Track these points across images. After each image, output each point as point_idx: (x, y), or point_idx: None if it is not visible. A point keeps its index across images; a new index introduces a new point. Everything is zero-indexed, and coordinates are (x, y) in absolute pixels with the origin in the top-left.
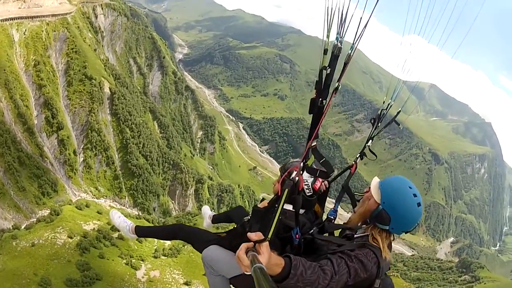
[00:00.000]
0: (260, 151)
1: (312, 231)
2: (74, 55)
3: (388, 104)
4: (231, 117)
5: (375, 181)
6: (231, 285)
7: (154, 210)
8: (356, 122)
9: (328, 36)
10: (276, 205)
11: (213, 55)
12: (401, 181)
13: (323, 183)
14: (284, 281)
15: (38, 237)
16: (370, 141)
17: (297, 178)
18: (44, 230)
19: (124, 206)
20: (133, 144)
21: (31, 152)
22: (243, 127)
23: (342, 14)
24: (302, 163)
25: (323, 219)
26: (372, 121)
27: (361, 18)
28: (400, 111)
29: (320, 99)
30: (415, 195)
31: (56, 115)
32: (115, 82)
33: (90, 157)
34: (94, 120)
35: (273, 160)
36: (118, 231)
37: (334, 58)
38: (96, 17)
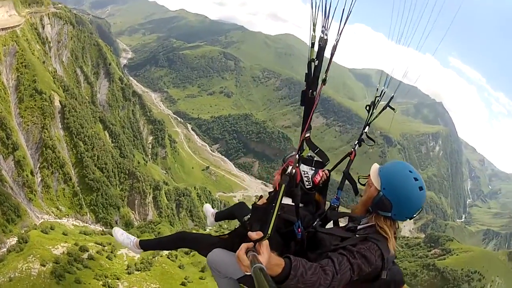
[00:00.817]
0: (211, 150)
1: (315, 223)
2: (23, 69)
3: (382, 91)
4: (179, 119)
5: (374, 167)
6: (241, 284)
7: (116, 223)
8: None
9: (314, 30)
10: (274, 201)
11: (157, 58)
12: (401, 166)
13: (324, 174)
14: (284, 282)
15: (13, 269)
16: (367, 127)
17: (294, 171)
18: (17, 261)
19: (86, 223)
20: (87, 157)
21: None
22: (192, 128)
23: (326, 7)
24: (297, 155)
25: (326, 208)
26: (367, 108)
27: (343, 10)
28: (393, 96)
29: (310, 90)
30: (416, 179)
31: (11, 135)
32: (64, 94)
33: (47, 175)
34: (47, 137)
35: (225, 158)
36: (124, 247)
37: (321, 49)
38: (43, 27)
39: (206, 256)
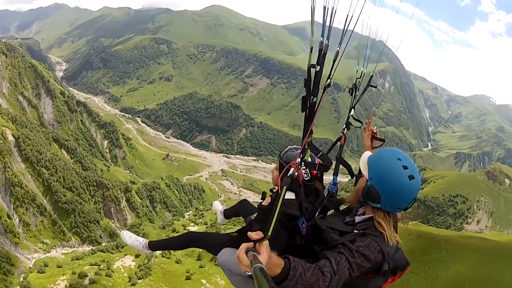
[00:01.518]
0: (166, 137)
1: (316, 215)
2: None
3: (362, 72)
4: (127, 115)
5: (364, 156)
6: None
7: (101, 237)
8: (247, 78)
9: (312, 33)
10: (275, 203)
11: (91, 61)
12: (389, 153)
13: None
14: (283, 282)
15: None
16: (353, 110)
17: (296, 174)
18: None
19: (73, 247)
20: (54, 182)
21: None
22: (141, 121)
23: (327, 11)
24: (300, 159)
25: (325, 194)
26: (350, 91)
27: (347, 16)
28: (372, 75)
29: (311, 96)
30: (405, 167)
31: None
32: (14, 126)
33: (23, 213)
34: (11, 175)
35: (182, 141)
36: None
37: (322, 56)
38: None
39: (215, 255)
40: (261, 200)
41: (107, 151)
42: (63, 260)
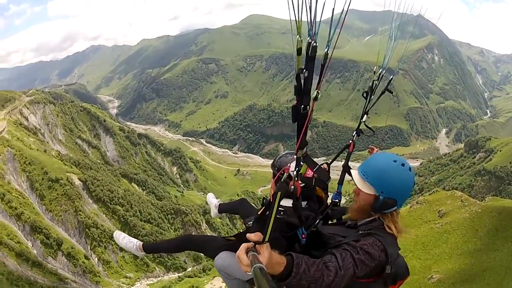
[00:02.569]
0: (233, 153)
1: (316, 222)
2: (30, 167)
3: (380, 74)
4: (190, 139)
5: (356, 175)
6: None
7: (186, 262)
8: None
9: (299, 33)
10: (270, 210)
11: (143, 93)
12: (384, 161)
13: (323, 166)
14: (287, 280)
15: None
16: (366, 116)
17: (293, 187)
18: None
19: (158, 277)
20: (131, 217)
21: (51, 285)
22: (206, 141)
23: (311, 4)
24: (295, 172)
25: (328, 203)
26: (365, 95)
27: (333, 9)
28: (392, 78)
29: (302, 106)
30: (403, 165)
31: (49, 234)
32: (79, 170)
33: (102, 252)
34: (84, 217)
35: (250, 154)
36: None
37: (310, 59)
38: (27, 119)
39: (212, 258)
40: (262, 205)
41: (178, 177)
42: None
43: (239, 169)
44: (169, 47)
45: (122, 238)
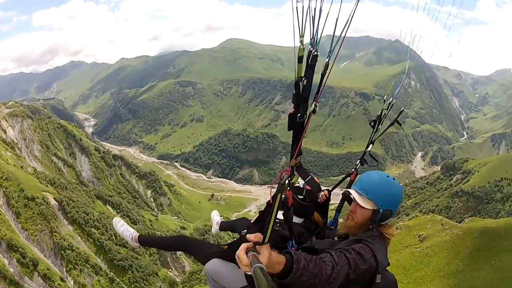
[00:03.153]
0: (208, 177)
1: (311, 239)
2: (6, 183)
3: (390, 103)
4: (165, 162)
5: (354, 193)
6: None
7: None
8: (276, 105)
9: (301, 41)
10: (270, 212)
11: (120, 113)
12: (379, 178)
13: (323, 193)
14: (287, 277)
15: None
16: (371, 145)
17: (284, 196)
18: None
19: None
20: (106, 240)
21: None
22: (180, 165)
23: (315, 13)
24: (287, 181)
25: (324, 229)
26: (372, 124)
27: (337, 19)
28: (402, 110)
29: (299, 114)
30: (394, 179)
31: (25, 253)
32: (54, 189)
33: (78, 275)
34: (60, 239)
35: (224, 179)
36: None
37: (310, 68)
38: (5, 131)
39: (202, 263)
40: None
41: (152, 200)
42: None
43: (213, 194)
44: (147, 67)
45: (120, 225)
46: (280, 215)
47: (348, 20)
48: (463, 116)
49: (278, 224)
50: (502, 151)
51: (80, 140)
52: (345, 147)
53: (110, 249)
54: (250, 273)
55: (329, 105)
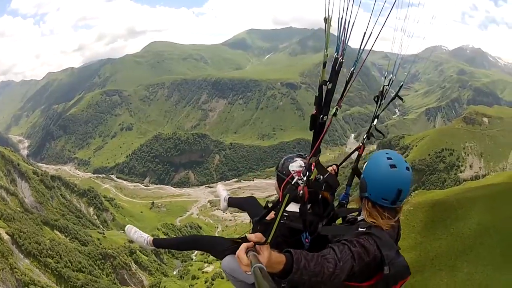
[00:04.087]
0: (145, 186)
1: (319, 227)
2: None
3: (390, 79)
4: (101, 175)
5: None
6: None
7: None
8: (204, 105)
9: (326, 48)
10: (277, 211)
11: (51, 131)
12: (381, 151)
13: (331, 168)
14: (288, 276)
15: None
16: (376, 120)
17: (301, 192)
18: None
19: None
20: (62, 268)
21: None
22: (116, 177)
23: (344, 23)
24: (306, 177)
25: (334, 205)
26: (376, 99)
27: (366, 28)
28: (402, 85)
29: (321, 115)
30: (389, 158)
31: None
32: (4, 222)
33: None
34: (21, 275)
35: (161, 186)
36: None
37: (336, 73)
38: None
39: (219, 259)
40: (265, 209)
41: (95, 217)
42: None
43: (153, 202)
44: (73, 80)
45: (134, 232)
46: (289, 208)
47: (364, 34)
48: (393, 94)
49: (285, 218)
50: (439, 124)
51: (18, 165)
52: (276, 138)
53: (69, 277)
54: (250, 273)
55: (256, 98)
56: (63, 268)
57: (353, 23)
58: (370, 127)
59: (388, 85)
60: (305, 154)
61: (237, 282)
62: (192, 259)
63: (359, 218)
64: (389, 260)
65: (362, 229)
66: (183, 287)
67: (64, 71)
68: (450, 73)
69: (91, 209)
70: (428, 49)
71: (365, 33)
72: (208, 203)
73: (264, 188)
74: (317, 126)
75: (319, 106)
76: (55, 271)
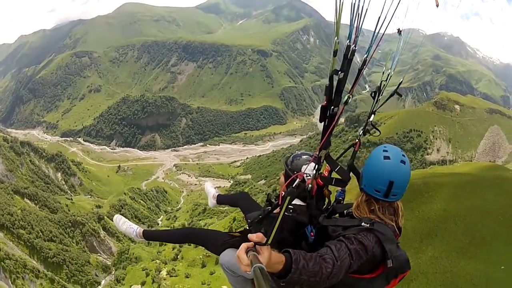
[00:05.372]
0: (112, 149)
1: (320, 218)
2: None
3: (388, 75)
4: (68, 139)
5: None
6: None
7: (97, 275)
8: (173, 67)
9: (337, 35)
10: (278, 212)
11: (21, 95)
12: (381, 145)
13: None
14: (287, 276)
15: None
16: (372, 115)
17: (310, 186)
18: None
19: None
20: (34, 239)
21: None
22: (84, 140)
23: (357, 9)
24: (315, 171)
25: (331, 201)
26: (373, 95)
27: (379, 17)
28: (402, 81)
29: (332, 106)
30: (384, 150)
31: None
32: None
33: (22, 284)
34: None
35: (128, 149)
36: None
37: (348, 62)
38: None
39: (215, 254)
40: (267, 202)
41: (63, 183)
42: None
43: (119, 166)
44: (45, 42)
45: (122, 223)
46: (294, 201)
47: (378, 19)
48: (365, 70)
49: (291, 211)
50: (409, 105)
51: None
52: (244, 104)
53: (41, 248)
54: (250, 273)
55: (225, 63)
56: (35, 239)
57: (367, 9)
58: (367, 123)
59: (386, 80)
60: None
61: (235, 278)
62: (159, 224)
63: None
64: (391, 254)
65: (365, 225)
66: (151, 253)
67: (36, 33)
68: (425, 56)
69: (59, 174)
70: (404, 31)
71: (379, 17)
72: (174, 167)
73: (229, 154)
74: (328, 117)
75: (330, 96)
76: (27, 243)
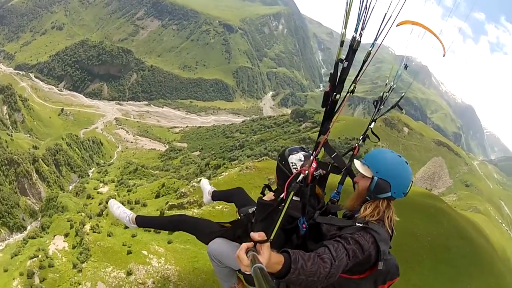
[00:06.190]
0: (59, 90)
1: (314, 215)
2: None
3: (391, 87)
4: (21, 72)
5: (357, 163)
6: (240, 274)
7: (24, 220)
8: (138, 21)
9: (345, 26)
10: (281, 207)
11: None
12: (382, 150)
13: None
14: (286, 276)
15: None
16: (373, 123)
17: (306, 172)
18: None
19: (5, 240)
20: None
21: None
22: (34, 76)
23: (363, 5)
24: (314, 157)
25: (326, 202)
26: (374, 104)
27: (385, 14)
28: (404, 95)
29: (334, 93)
30: (399, 156)
31: None
32: None
33: None
34: None
35: (75, 93)
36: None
37: (353, 52)
38: None
39: (204, 243)
40: (261, 195)
41: (7, 117)
42: (5, 260)
43: (63, 109)
44: None
45: (116, 207)
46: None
47: (385, 15)
48: (323, 70)
49: (283, 204)
50: (358, 114)
51: None
52: (197, 72)
53: None
54: (250, 273)
55: (190, 28)
56: None
57: (375, 3)
58: (367, 129)
59: (388, 91)
60: (307, 149)
61: (221, 268)
62: (89, 175)
63: (356, 215)
64: (383, 256)
65: (359, 224)
66: (78, 205)
67: None
68: (387, 73)
69: (5, 107)
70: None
71: (385, 14)
72: (114, 120)
73: (170, 118)
74: (330, 103)
75: (333, 83)
76: None
